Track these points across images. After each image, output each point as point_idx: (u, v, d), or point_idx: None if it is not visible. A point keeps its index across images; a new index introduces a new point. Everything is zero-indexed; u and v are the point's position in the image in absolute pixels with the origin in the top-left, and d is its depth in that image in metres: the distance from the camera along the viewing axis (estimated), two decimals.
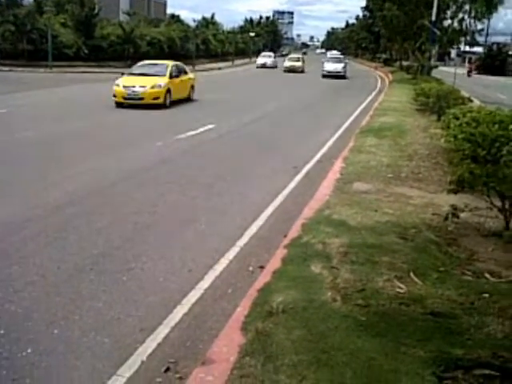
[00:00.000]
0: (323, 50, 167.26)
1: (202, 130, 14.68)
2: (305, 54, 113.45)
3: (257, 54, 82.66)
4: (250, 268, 5.68)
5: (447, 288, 4.92)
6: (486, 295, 4.81)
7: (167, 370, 3.87)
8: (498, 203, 6.57)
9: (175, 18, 71.35)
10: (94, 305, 4.78)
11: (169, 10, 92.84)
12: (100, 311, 4.68)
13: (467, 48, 56.72)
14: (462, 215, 6.80)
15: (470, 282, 5.13)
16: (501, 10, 41.08)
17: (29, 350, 4.05)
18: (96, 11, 47.64)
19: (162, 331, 4.40)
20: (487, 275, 5.33)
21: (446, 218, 6.60)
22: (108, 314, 4.63)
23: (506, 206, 6.53)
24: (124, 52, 46.83)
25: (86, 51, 43.72)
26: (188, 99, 21.90)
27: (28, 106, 19.22)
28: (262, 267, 5.60)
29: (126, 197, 8.13)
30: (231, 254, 6.08)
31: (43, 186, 8.34)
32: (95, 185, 8.67)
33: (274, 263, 5.56)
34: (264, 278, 5.20)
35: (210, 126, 15.30)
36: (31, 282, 5.13)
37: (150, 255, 5.93)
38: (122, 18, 60.44)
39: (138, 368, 3.92)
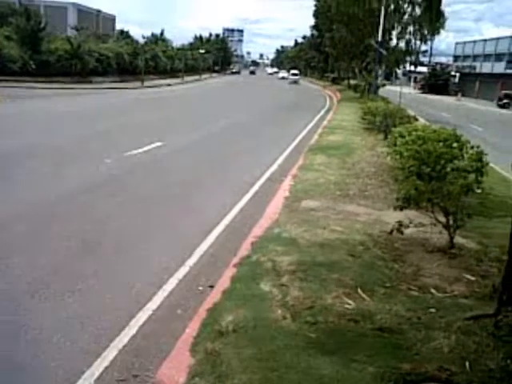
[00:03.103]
0: (275, 69, 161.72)
1: None
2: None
3: (207, 70, 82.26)
4: (200, 288, 5.63)
5: (394, 303, 5.01)
6: (433, 310, 4.92)
7: None
8: (443, 219, 6.74)
9: (124, 34, 70.76)
10: (37, 327, 4.63)
11: (118, 26, 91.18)
12: (44, 335, 4.53)
13: (412, 68, 58.61)
14: (408, 231, 6.94)
15: (417, 298, 5.23)
16: (443, 32, 42.98)
17: None
18: (42, 25, 46.25)
19: (110, 354, 4.30)
20: (433, 290, 5.45)
21: (391, 233, 6.73)
22: (53, 337, 4.49)
23: (450, 222, 6.69)
24: (72, 67, 45.89)
25: (34, 66, 42.47)
26: None
27: None
28: (211, 286, 5.56)
29: (75, 214, 7.96)
30: (180, 274, 6.01)
31: None
32: (42, 202, 8.45)
33: (224, 282, 5.53)
34: (213, 297, 5.17)
35: None
36: None
37: (97, 275, 5.80)
38: (70, 33, 59.17)
39: None
